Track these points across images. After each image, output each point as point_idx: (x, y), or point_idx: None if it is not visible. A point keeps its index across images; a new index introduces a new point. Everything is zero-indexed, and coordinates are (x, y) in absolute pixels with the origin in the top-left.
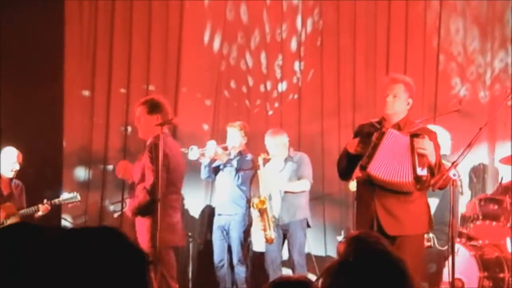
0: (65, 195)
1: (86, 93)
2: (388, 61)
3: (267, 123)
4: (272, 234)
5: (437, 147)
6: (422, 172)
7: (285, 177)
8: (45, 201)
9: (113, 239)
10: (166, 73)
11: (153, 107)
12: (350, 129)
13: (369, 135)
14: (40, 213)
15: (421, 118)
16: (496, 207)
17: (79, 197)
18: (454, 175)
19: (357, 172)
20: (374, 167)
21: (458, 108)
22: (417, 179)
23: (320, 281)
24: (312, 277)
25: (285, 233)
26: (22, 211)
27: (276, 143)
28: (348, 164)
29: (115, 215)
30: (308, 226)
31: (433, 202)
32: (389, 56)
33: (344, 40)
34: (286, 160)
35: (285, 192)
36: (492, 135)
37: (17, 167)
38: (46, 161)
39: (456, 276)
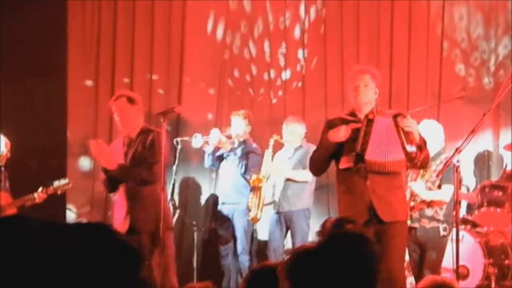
0: (56, 182)
1: (89, 83)
2: (391, 48)
3: (271, 112)
4: (258, 214)
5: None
6: (411, 148)
7: (291, 165)
8: (40, 189)
9: (104, 236)
10: (170, 63)
11: (132, 98)
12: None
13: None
14: (36, 201)
15: (424, 105)
16: (500, 193)
17: (71, 184)
18: (458, 161)
19: (345, 163)
20: (370, 152)
21: (462, 95)
22: (408, 155)
23: (282, 271)
24: None
25: (287, 222)
26: (17, 200)
27: (290, 131)
28: (328, 156)
29: None
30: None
31: (450, 190)
32: (393, 43)
33: (347, 27)
34: (296, 149)
35: (287, 179)
36: (496, 121)
37: (6, 154)
38: (50, 151)
39: (461, 263)
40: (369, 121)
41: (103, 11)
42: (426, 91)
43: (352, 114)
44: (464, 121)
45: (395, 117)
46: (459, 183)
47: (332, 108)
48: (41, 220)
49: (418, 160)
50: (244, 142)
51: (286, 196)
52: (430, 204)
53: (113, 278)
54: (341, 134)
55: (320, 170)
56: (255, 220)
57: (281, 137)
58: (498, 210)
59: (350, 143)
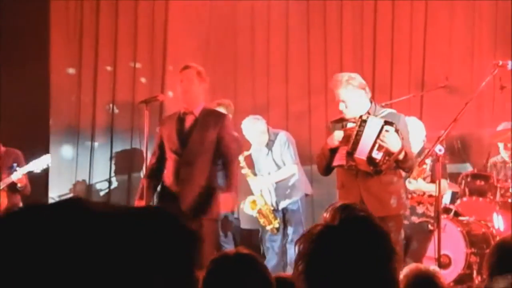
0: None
1: (72, 71)
2: (375, 38)
3: (254, 100)
4: (275, 225)
5: (404, 131)
6: (377, 155)
7: (271, 162)
8: (15, 166)
9: (168, 220)
10: (153, 51)
11: (201, 72)
12: (337, 106)
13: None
14: (18, 185)
15: (408, 95)
16: (483, 183)
17: (48, 162)
18: (440, 150)
19: (338, 161)
20: (359, 152)
21: (445, 84)
22: (370, 159)
23: (301, 245)
24: None
25: (283, 214)
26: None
27: (252, 134)
28: (330, 159)
29: (101, 193)
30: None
31: (443, 183)
32: (376, 32)
33: (330, 16)
34: (267, 145)
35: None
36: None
37: None
38: (33, 139)
39: (443, 252)
40: (363, 122)
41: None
42: (409, 80)
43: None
44: (447, 111)
45: (385, 123)
46: (439, 172)
47: (315, 96)
48: (102, 203)
49: (381, 168)
50: None
51: (280, 194)
52: (428, 198)
53: (175, 261)
54: (334, 140)
55: (326, 173)
56: (275, 231)
57: (248, 149)
58: (481, 199)
59: (345, 143)
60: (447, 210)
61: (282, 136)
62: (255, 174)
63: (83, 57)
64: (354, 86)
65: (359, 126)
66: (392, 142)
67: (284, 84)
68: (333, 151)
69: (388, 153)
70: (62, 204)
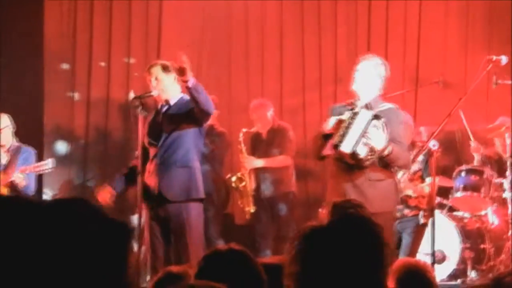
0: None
1: (66, 66)
2: (369, 33)
3: (248, 96)
4: (252, 209)
5: (405, 126)
6: (361, 150)
7: (266, 147)
8: (19, 165)
9: (86, 210)
10: (147, 47)
11: (166, 65)
12: (331, 102)
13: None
14: (16, 180)
15: (402, 90)
16: (477, 178)
17: (51, 165)
18: (434, 145)
19: (328, 150)
20: (345, 145)
21: (439, 79)
22: (353, 154)
23: (292, 246)
24: None
25: (272, 207)
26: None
27: (259, 116)
28: (321, 144)
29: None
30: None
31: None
32: (370, 28)
33: (325, 11)
34: (269, 130)
35: (265, 167)
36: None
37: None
38: (27, 136)
39: (438, 247)
40: (354, 114)
41: None
42: (403, 76)
43: (354, 101)
44: (441, 106)
45: (374, 117)
46: (434, 167)
47: (309, 92)
48: (20, 198)
49: (363, 163)
50: (211, 127)
51: (266, 183)
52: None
53: (98, 253)
54: (327, 126)
55: (318, 158)
56: (248, 216)
57: (250, 128)
58: (475, 194)
59: (336, 131)
60: (441, 206)
61: (285, 128)
62: (248, 153)
63: (77, 52)
64: (379, 71)
65: (350, 118)
66: (377, 138)
67: (279, 80)
68: (327, 137)
69: (372, 149)
70: None
